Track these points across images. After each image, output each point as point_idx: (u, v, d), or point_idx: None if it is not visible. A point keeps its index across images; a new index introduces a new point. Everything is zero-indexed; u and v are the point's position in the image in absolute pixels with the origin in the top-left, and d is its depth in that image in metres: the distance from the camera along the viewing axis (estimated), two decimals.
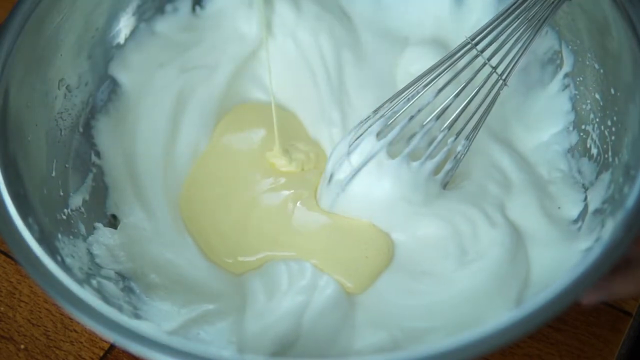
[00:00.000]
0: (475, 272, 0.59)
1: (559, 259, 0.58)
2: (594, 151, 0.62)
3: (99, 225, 0.64)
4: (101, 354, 0.62)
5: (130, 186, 0.67)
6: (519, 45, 0.58)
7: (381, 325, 0.58)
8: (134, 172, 0.67)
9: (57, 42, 0.64)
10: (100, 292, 0.57)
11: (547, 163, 0.66)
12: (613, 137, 0.60)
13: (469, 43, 0.59)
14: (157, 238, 0.64)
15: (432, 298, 0.59)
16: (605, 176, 0.59)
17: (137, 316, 0.58)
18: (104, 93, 0.70)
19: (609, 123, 0.60)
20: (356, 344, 0.58)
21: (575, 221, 0.61)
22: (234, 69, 0.72)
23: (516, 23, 0.58)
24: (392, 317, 0.58)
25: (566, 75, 0.67)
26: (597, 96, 0.63)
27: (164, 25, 0.73)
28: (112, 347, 0.62)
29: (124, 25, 0.71)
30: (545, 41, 0.68)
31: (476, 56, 0.59)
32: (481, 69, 0.59)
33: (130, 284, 0.61)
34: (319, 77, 0.72)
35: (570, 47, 0.66)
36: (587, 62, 0.64)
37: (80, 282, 0.54)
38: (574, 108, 0.66)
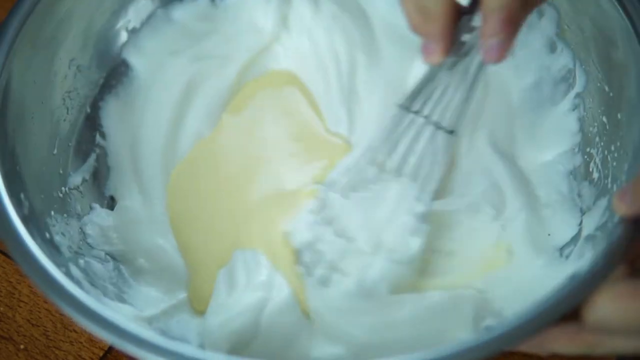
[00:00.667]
0: (435, 292, 0.58)
1: (532, 285, 0.57)
2: (595, 175, 0.61)
3: (95, 205, 0.65)
4: (101, 354, 0.62)
5: (130, 170, 0.68)
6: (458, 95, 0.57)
7: (337, 338, 0.58)
8: (136, 156, 0.68)
9: (70, 24, 0.64)
10: (87, 273, 0.58)
11: (547, 184, 0.65)
12: (615, 163, 0.58)
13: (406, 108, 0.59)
14: (151, 223, 0.65)
15: (390, 315, 0.58)
16: (602, 202, 0.58)
17: (120, 299, 0.59)
18: (115, 76, 0.70)
19: (613, 148, 0.59)
20: (313, 353, 0.58)
21: (562, 248, 0.60)
22: (245, 62, 0.72)
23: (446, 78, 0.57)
24: (349, 330, 0.58)
25: (577, 95, 0.65)
26: (604, 119, 0.61)
27: (181, 12, 0.73)
28: (112, 347, 0.62)
29: (141, 10, 0.71)
30: (561, 59, 0.67)
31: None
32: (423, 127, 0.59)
33: (119, 267, 0.62)
34: (330, 76, 0.71)
35: (583, 66, 0.64)
36: (598, 84, 0.62)
37: (66, 261, 0.55)
38: (581, 129, 0.65)
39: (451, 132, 0.59)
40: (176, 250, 0.64)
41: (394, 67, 0.72)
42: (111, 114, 0.69)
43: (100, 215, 0.64)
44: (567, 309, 0.46)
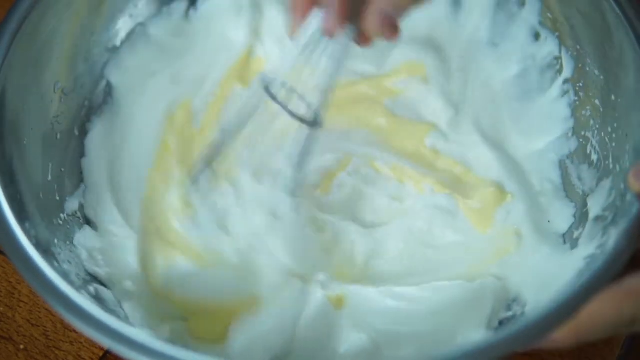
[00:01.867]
0: (454, 285, 0.59)
1: (548, 274, 0.58)
2: (594, 157, 0.62)
3: (86, 226, 0.64)
4: (101, 354, 0.62)
5: (109, 192, 0.66)
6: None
7: (363, 326, 0.59)
8: (115, 178, 0.67)
9: (53, 46, 0.63)
10: (98, 300, 0.56)
11: (539, 173, 0.66)
12: (614, 144, 0.59)
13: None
14: (131, 245, 0.64)
15: (413, 304, 0.59)
16: (606, 183, 0.59)
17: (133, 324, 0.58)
18: (100, 96, 0.69)
19: (609, 129, 0.60)
20: (341, 348, 0.58)
21: (566, 235, 0.61)
22: (222, 78, 0.72)
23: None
24: (374, 318, 0.58)
25: (566, 81, 0.66)
26: (597, 102, 0.62)
27: (157, 28, 0.72)
28: None
29: (121, 28, 0.71)
30: (545, 47, 0.68)
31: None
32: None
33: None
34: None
35: (570, 53, 0.66)
36: (587, 68, 0.64)
37: (77, 289, 0.54)
38: (573, 114, 0.66)
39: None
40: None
41: (370, 57, 0.73)
42: (96, 137, 0.68)
43: (87, 236, 0.63)
44: (596, 290, 0.47)
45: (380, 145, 0.68)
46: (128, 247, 0.63)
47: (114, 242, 0.64)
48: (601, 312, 0.46)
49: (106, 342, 0.48)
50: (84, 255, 0.61)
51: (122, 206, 0.66)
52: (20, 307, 0.64)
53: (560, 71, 0.67)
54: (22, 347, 0.62)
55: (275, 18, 0.73)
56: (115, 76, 0.70)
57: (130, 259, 0.63)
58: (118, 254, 0.63)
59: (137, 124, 0.69)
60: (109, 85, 0.69)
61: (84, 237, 0.62)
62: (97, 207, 0.65)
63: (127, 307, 0.60)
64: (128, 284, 0.62)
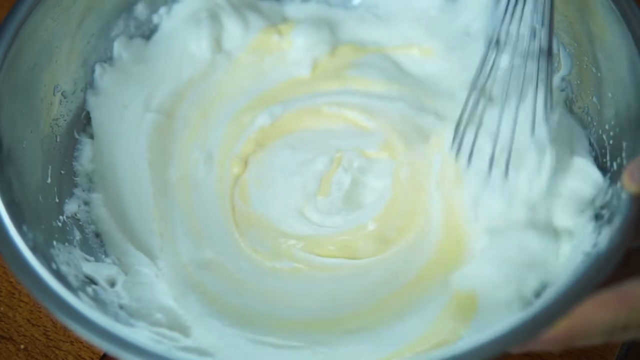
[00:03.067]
0: None
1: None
2: (592, 155, 0.62)
3: (111, 265, 0.63)
4: (101, 353, 0.63)
5: (129, 242, 0.64)
6: None
7: None
8: (126, 225, 0.65)
9: (52, 49, 0.64)
10: (96, 300, 0.56)
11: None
12: (611, 142, 0.59)
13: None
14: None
15: None
16: (604, 181, 0.59)
17: (131, 325, 0.58)
18: None
19: (607, 127, 0.60)
20: None
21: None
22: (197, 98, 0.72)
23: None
24: None
25: (563, 79, 0.66)
26: (594, 100, 0.62)
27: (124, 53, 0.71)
28: None
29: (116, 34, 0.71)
30: (543, 44, 0.67)
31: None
32: None
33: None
34: None
35: (567, 50, 0.65)
36: (585, 66, 0.63)
37: (75, 290, 0.54)
38: (570, 111, 0.65)
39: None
40: None
41: None
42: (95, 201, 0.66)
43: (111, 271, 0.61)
44: (589, 289, 0.47)
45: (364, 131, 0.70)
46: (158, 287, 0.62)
47: (143, 280, 0.62)
48: (595, 315, 0.45)
49: (104, 346, 0.49)
50: (109, 290, 0.60)
51: (145, 247, 0.64)
52: (21, 307, 0.64)
53: (557, 68, 0.67)
54: (22, 346, 0.63)
55: (233, 27, 0.73)
56: (94, 110, 0.69)
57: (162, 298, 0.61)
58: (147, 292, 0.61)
59: (122, 165, 0.68)
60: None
61: (106, 270, 0.61)
62: (122, 257, 0.63)
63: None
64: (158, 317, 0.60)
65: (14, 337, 0.63)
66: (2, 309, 0.64)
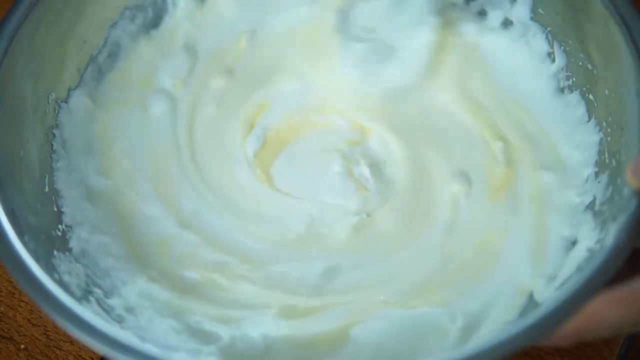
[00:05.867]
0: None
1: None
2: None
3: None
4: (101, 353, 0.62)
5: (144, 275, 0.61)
6: None
7: None
8: (137, 249, 0.63)
9: (45, 57, 0.63)
10: (101, 306, 0.56)
11: None
12: (609, 138, 0.60)
13: None
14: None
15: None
16: (603, 178, 0.59)
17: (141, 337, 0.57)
18: None
19: (604, 124, 0.60)
20: None
21: None
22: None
23: None
24: None
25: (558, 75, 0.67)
26: (591, 97, 0.63)
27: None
28: None
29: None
30: (537, 41, 0.68)
31: None
32: None
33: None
34: None
35: (562, 47, 0.66)
36: (580, 63, 0.64)
37: (79, 299, 0.54)
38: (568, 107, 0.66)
39: None
40: None
41: None
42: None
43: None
44: (597, 287, 0.47)
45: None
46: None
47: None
48: (606, 312, 0.46)
49: (108, 352, 0.48)
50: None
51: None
52: (21, 307, 0.65)
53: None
54: (22, 346, 0.63)
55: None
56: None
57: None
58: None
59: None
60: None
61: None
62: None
63: None
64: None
65: (14, 337, 0.63)
66: (2, 309, 0.64)
